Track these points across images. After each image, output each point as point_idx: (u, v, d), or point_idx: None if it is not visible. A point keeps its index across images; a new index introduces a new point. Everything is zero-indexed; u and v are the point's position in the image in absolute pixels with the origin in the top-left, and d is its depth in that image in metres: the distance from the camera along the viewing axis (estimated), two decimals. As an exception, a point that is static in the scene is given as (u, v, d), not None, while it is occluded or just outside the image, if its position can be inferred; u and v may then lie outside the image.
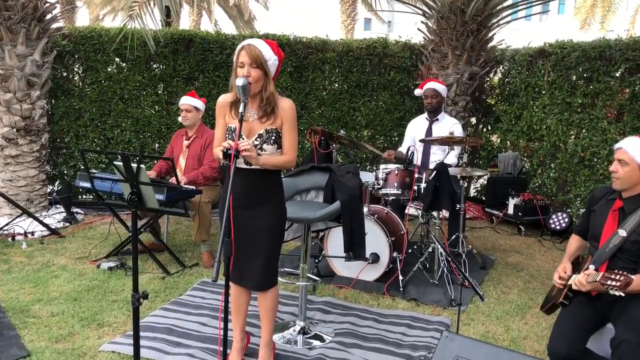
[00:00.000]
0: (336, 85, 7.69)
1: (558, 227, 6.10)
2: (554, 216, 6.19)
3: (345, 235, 3.54)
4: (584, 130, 6.29)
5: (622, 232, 2.84)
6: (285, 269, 4.75)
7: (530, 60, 6.92)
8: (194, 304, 4.02)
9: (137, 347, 2.58)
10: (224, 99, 3.00)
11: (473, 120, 7.87)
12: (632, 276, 2.57)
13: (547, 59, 6.70)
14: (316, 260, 4.70)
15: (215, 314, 3.83)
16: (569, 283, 3.00)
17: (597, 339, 3.02)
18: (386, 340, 3.60)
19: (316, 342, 3.51)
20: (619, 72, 5.94)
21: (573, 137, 6.50)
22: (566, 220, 6.07)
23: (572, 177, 6.48)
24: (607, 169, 5.84)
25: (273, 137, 2.89)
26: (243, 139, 2.78)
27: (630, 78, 5.81)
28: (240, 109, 2.66)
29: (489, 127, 7.79)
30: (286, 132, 2.93)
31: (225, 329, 2.46)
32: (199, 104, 5.16)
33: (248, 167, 2.89)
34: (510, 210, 6.50)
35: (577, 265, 3.13)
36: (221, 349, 2.46)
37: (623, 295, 2.54)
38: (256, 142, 2.88)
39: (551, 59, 6.60)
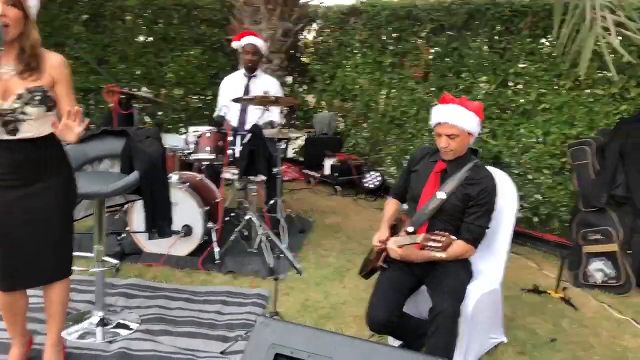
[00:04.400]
0: (141, 38, 6.92)
1: (371, 186, 6.22)
2: (367, 175, 6.28)
3: (147, 210, 3.07)
4: (394, 90, 6.41)
5: (441, 195, 2.78)
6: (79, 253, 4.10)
7: (342, 18, 6.85)
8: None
9: None
10: None
11: (289, 79, 7.67)
12: (453, 237, 2.52)
13: (359, 17, 6.68)
14: (118, 238, 4.13)
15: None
16: (387, 246, 2.90)
17: (412, 301, 2.98)
18: (199, 322, 3.25)
19: (120, 333, 3.05)
20: (425, 33, 6.09)
21: (384, 96, 6.61)
22: (379, 179, 6.20)
23: (384, 137, 6.62)
24: (416, 128, 6.05)
25: (39, 97, 2.27)
26: None
27: (435, 38, 5.99)
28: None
29: (305, 87, 7.67)
30: (64, 95, 2.34)
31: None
32: None
33: (12, 137, 2.27)
34: (327, 171, 6.48)
35: (396, 229, 3.05)
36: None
37: (444, 257, 2.47)
38: (16, 105, 2.24)
39: (363, 17, 6.60)
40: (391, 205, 3.19)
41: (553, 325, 3.54)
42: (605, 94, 4.61)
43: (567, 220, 4.95)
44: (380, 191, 6.24)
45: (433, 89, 6.00)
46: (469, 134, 2.77)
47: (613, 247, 4.10)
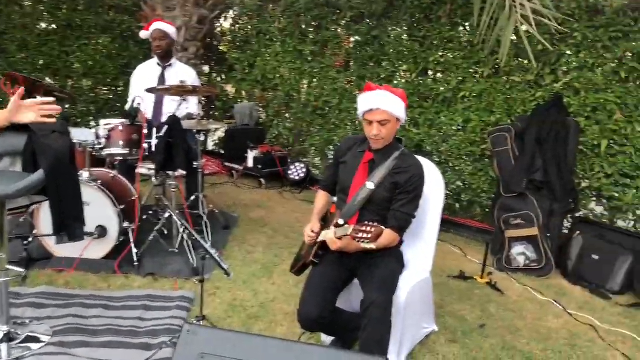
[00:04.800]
0: (42, 24, 6.41)
1: (297, 178, 6.10)
2: (292, 167, 6.16)
3: (54, 212, 2.77)
4: (315, 79, 6.31)
5: (370, 185, 2.71)
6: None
7: (260, 5, 6.66)
8: None
9: None
10: None
11: (206, 68, 7.41)
12: (382, 227, 2.44)
13: (277, 4, 6.51)
14: (24, 242, 3.77)
15: None
16: (319, 240, 2.80)
17: (345, 294, 2.90)
18: (119, 330, 3.00)
19: (30, 347, 2.75)
20: (345, 21, 6.02)
21: (306, 86, 6.50)
22: (304, 170, 6.09)
23: (307, 127, 6.51)
24: (339, 118, 5.99)
25: None
26: None
27: (355, 27, 5.92)
28: None
29: (223, 76, 7.42)
30: None
31: None
32: None
33: None
34: (250, 163, 6.28)
35: (326, 222, 2.96)
36: None
37: (374, 247, 2.39)
38: None
39: (281, 4, 6.44)
40: (321, 197, 3.10)
41: (481, 310, 3.58)
42: (522, 81, 4.72)
43: (488, 206, 5.07)
44: (306, 183, 6.14)
45: (354, 78, 5.94)
46: (397, 119, 2.70)
47: (534, 231, 4.22)
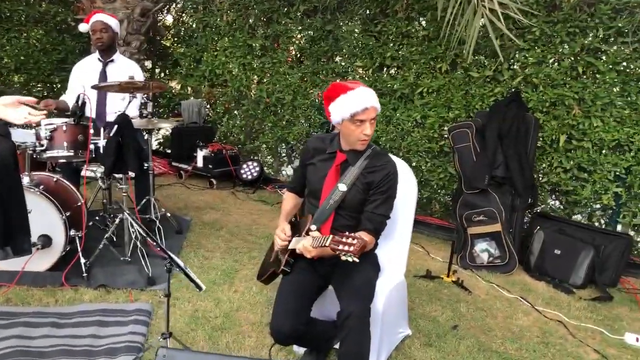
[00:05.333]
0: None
1: (250, 177, 5.88)
2: (244, 166, 5.94)
3: (-3, 225, 2.47)
4: (267, 75, 6.09)
5: (342, 187, 2.55)
6: None
7: (206, -3, 6.39)
8: None
9: None
10: None
11: (148, 64, 7.05)
12: (364, 237, 2.30)
13: (224, -4, 6.26)
14: (-44, 256, 3.39)
15: None
16: (289, 248, 2.62)
17: (318, 302, 2.74)
18: (72, 350, 2.73)
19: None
20: (297, 15, 5.83)
21: (256, 82, 6.27)
22: (257, 169, 5.88)
23: (259, 124, 6.29)
24: (293, 115, 5.80)
25: None
26: None
27: (308, 21, 5.74)
28: None
29: (167, 72, 7.09)
30: None
31: None
32: None
33: None
34: (200, 163, 6.00)
35: (297, 228, 2.78)
36: None
37: (357, 261, 2.21)
38: None
39: (228, -4, 6.19)
40: (289, 199, 2.92)
41: (452, 311, 3.51)
42: (480, 76, 4.70)
43: (447, 202, 5.03)
44: (259, 182, 5.92)
45: (308, 73, 5.76)
46: None
47: (497, 227, 4.20)
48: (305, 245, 2.43)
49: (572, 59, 4.31)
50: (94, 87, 3.90)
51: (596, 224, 4.57)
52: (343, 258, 2.18)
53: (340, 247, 2.17)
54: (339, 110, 2.48)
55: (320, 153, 2.71)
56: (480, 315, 3.49)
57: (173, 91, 6.97)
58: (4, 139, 2.47)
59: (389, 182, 2.58)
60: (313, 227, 2.58)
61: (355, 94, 2.46)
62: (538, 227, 4.33)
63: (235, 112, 6.47)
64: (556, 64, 4.40)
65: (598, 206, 4.55)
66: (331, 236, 2.25)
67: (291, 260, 2.66)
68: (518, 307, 3.67)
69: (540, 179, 4.60)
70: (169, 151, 6.86)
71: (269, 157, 6.40)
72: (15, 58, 6.10)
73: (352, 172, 2.57)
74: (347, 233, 2.23)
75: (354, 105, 2.43)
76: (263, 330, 3.08)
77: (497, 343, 3.16)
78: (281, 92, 5.92)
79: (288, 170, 6.50)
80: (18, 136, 3.53)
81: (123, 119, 3.64)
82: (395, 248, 3.05)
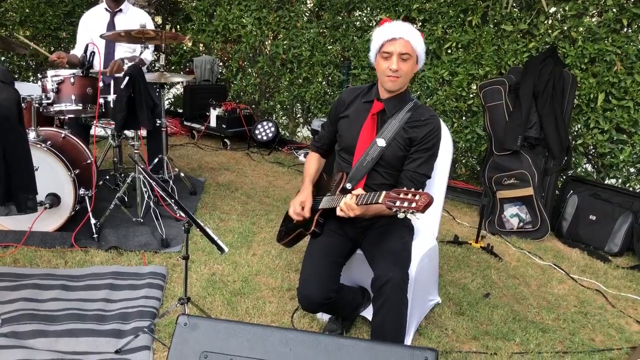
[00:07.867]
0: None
1: (265, 138, 5.65)
2: (259, 126, 5.70)
3: None
4: (283, 30, 5.79)
5: (381, 142, 2.32)
6: None
7: (220, -53, 6.05)
8: None
9: None
10: None
11: (158, 19, 6.76)
12: (428, 193, 2.02)
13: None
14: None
15: None
16: (320, 208, 2.41)
17: (346, 268, 2.54)
18: (83, 315, 2.56)
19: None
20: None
21: (272, 37, 5.98)
22: (272, 129, 5.64)
23: (274, 83, 6.02)
24: (311, 73, 5.52)
25: None
26: None
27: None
28: None
29: (179, 27, 6.79)
30: None
31: None
32: None
33: None
34: (213, 123, 5.77)
35: (320, 189, 2.56)
36: None
37: (419, 219, 1.97)
38: None
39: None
40: (313, 160, 2.67)
41: (482, 278, 3.31)
42: (514, 30, 4.38)
43: (472, 165, 4.79)
44: (275, 144, 5.69)
45: (327, 28, 5.46)
46: (416, 62, 2.31)
47: (529, 191, 3.96)
48: (347, 202, 2.18)
49: (616, 10, 3.98)
50: (102, 36, 3.65)
51: (631, 189, 4.31)
52: (401, 215, 1.93)
53: (398, 203, 1.92)
54: (372, 45, 2.31)
55: (355, 104, 2.47)
56: (513, 283, 3.29)
57: (185, 47, 6.68)
58: (7, 86, 2.27)
59: (433, 139, 2.34)
60: (348, 185, 2.36)
61: (387, 25, 2.25)
62: (571, 192, 4.09)
63: (250, 69, 6.19)
64: (598, 16, 4.08)
65: (634, 170, 4.29)
66: (384, 192, 2.01)
67: (321, 220, 2.45)
68: (552, 275, 3.46)
69: (575, 140, 4.33)
70: (180, 110, 6.62)
71: (283, 118, 6.15)
72: (20, 11, 5.83)
73: (392, 126, 2.33)
74: (404, 189, 1.99)
75: (382, 35, 2.24)
76: (284, 296, 2.90)
77: (533, 312, 2.97)
78: (298, 47, 5.62)
79: (304, 132, 6.26)
80: (22, 89, 3.31)
81: (136, 71, 3.40)
82: (428, 211, 2.82)
